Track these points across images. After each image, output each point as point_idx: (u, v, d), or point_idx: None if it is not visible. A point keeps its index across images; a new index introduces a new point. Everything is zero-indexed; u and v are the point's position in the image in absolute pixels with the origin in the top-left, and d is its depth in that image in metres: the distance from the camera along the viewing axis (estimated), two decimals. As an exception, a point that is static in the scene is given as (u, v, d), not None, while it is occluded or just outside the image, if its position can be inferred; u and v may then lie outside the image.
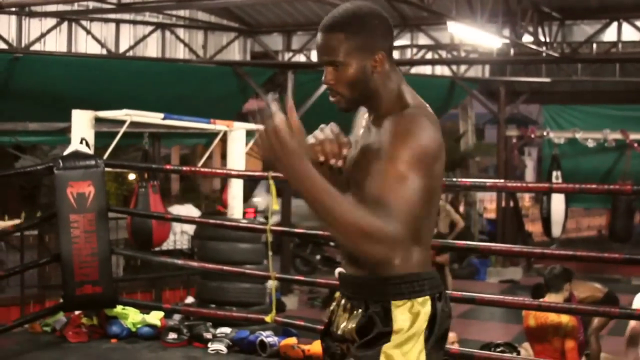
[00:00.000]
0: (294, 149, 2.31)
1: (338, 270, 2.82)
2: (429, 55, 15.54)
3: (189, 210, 13.46)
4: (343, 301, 2.79)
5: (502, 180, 10.96)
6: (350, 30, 2.62)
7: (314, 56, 15.35)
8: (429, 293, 2.65)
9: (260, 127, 2.33)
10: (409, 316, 2.61)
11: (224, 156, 10.17)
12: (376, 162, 2.55)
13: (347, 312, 2.74)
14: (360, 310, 2.68)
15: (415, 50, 15.24)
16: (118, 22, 13.65)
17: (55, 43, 13.10)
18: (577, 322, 6.77)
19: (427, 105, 2.71)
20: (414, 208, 2.44)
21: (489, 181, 5.99)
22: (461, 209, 18.26)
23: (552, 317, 6.69)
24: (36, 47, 12.88)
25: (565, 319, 6.68)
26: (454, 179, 5.95)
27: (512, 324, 11.34)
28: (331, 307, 2.88)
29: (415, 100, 2.70)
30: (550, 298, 6.63)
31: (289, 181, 2.35)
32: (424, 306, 2.63)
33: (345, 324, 2.72)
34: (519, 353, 6.92)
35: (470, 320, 11.65)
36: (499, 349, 6.78)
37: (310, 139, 2.62)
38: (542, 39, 13.43)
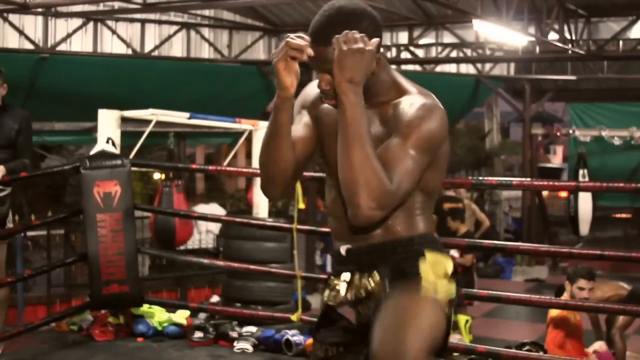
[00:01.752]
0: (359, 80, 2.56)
1: (345, 247, 2.83)
2: (454, 54, 15.51)
3: (214, 209, 13.49)
4: (352, 277, 2.84)
5: (528, 179, 10.92)
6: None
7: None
8: (442, 251, 2.84)
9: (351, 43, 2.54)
10: (434, 259, 2.77)
11: (249, 155, 10.19)
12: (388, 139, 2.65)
13: (364, 280, 2.80)
14: (381, 268, 2.77)
15: (440, 48, 15.21)
16: (143, 22, 13.71)
17: (81, 43, 13.18)
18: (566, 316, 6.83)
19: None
20: (412, 181, 2.62)
21: (515, 180, 5.97)
22: (486, 207, 18.19)
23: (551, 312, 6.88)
24: (62, 47, 12.96)
25: (553, 312, 6.82)
26: (480, 178, 5.93)
27: (538, 323, 11.27)
28: (327, 294, 2.91)
29: (416, 87, 2.77)
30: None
31: (343, 99, 2.55)
32: (446, 260, 2.80)
33: (369, 285, 2.79)
34: (545, 352, 6.89)
35: (496, 319, 11.61)
36: (525, 348, 6.75)
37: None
38: (567, 36, 13.36)
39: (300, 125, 2.84)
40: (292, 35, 2.62)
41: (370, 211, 2.52)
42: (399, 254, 2.76)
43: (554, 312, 6.91)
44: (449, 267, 2.79)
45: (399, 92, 2.73)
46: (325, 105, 2.79)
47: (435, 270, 2.74)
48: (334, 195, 2.82)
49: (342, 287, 2.84)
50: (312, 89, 2.90)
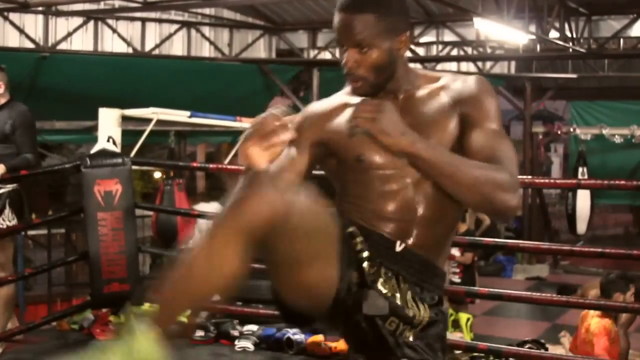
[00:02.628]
0: (404, 127, 2.46)
1: (402, 244, 2.60)
2: (454, 52, 15.49)
3: (215, 208, 13.46)
4: (395, 277, 2.59)
5: (529, 177, 10.92)
6: (380, 11, 2.52)
7: (339, 53, 15.30)
8: None
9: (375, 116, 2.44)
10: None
11: (249, 154, 10.14)
12: (458, 128, 2.59)
13: (411, 293, 2.60)
14: (429, 301, 2.63)
15: (440, 46, 15.19)
16: (144, 20, 13.70)
17: (82, 42, 13.18)
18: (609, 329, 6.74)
19: None
20: (516, 164, 2.56)
21: (516, 178, 5.96)
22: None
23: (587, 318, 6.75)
24: (63, 46, 12.96)
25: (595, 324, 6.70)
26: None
27: (539, 321, 11.28)
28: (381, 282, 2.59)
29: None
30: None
31: (416, 155, 2.45)
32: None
33: (417, 311, 2.58)
34: (547, 350, 6.88)
35: (497, 317, 11.60)
36: (526, 346, 6.75)
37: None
38: (568, 34, 13.35)
39: (298, 155, 2.71)
40: (274, 109, 2.49)
41: (515, 202, 2.49)
42: (435, 288, 2.67)
43: (599, 324, 6.80)
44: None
45: (428, 79, 2.69)
46: (339, 121, 2.68)
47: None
48: (383, 181, 2.62)
49: (393, 288, 2.60)
50: (317, 108, 2.80)
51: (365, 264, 2.56)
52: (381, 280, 2.57)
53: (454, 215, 2.70)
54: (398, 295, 2.57)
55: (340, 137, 2.66)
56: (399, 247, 2.60)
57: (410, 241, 2.61)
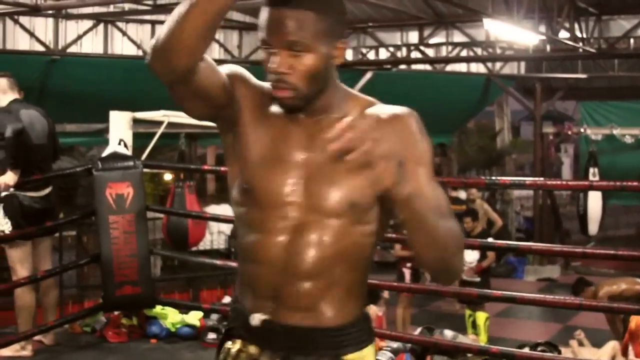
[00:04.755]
0: None
1: (260, 318, 2.19)
2: (464, 53, 15.48)
3: (226, 210, 13.44)
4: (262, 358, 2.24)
5: (541, 179, 10.90)
6: (319, 8, 2.08)
7: (348, 55, 15.32)
8: (373, 339, 2.32)
9: None
10: None
11: (259, 156, 10.13)
12: (390, 166, 1.83)
13: None
14: None
15: (450, 47, 15.18)
16: (154, 23, 13.71)
17: (92, 45, 13.19)
18: None
19: None
20: None
21: (529, 179, 5.95)
22: (497, 206, 18.17)
23: None
24: (73, 49, 12.97)
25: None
26: (494, 178, 5.92)
27: (551, 322, 11.26)
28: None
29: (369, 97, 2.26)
30: None
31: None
32: (371, 356, 2.27)
33: None
34: (560, 352, 6.86)
35: (508, 319, 11.59)
36: (539, 349, 6.73)
37: None
38: (578, 34, 13.33)
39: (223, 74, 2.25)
40: None
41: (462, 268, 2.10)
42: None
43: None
44: None
45: (356, 104, 2.21)
46: (271, 121, 2.25)
47: None
48: (261, 236, 2.21)
49: None
50: (266, 89, 2.25)
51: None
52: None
53: (342, 268, 2.19)
54: None
55: (251, 134, 2.38)
56: (256, 321, 2.21)
57: (280, 310, 2.19)
